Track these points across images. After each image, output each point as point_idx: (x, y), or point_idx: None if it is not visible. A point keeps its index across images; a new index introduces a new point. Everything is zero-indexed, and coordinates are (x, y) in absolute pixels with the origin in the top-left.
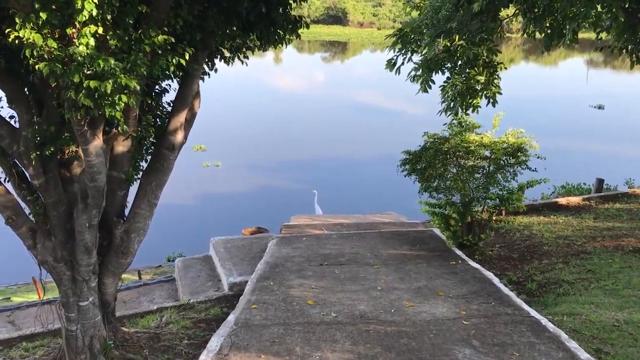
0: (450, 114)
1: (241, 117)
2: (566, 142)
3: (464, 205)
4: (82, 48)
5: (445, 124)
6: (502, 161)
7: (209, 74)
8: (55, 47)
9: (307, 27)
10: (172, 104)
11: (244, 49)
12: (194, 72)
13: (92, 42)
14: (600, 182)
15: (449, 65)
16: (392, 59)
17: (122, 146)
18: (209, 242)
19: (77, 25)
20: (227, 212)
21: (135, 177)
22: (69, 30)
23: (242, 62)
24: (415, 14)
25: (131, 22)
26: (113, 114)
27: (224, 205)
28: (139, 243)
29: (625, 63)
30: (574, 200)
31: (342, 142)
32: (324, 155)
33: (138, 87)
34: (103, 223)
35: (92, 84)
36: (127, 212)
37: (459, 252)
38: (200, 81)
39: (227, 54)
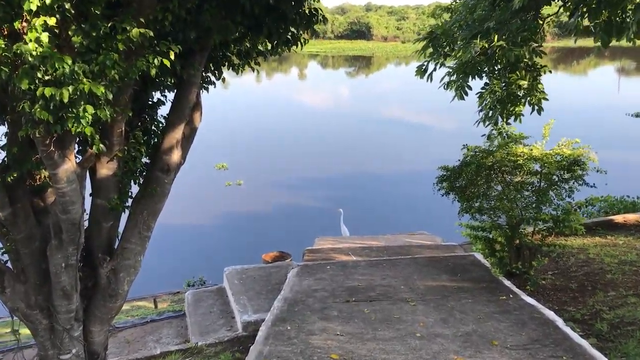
0: (489, 124)
1: (265, 134)
2: (607, 153)
3: (512, 228)
4: (31, 45)
5: (484, 135)
6: (555, 176)
7: (214, 84)
8: (3, 45)
9: (325, 21)
10: (166, 118)
11: (255, 54)
12: (191, 79)
13: (44, 37)
14: None
15: (486, 69)
16: (422, 65)
17: (106, 169)
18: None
19: (26, 17)
20: (250, 234)
21: (125, 205)
22: (17, 24)
23: (253, 70)
24: (446, 16)
25: (98, 12)
26: (80, 129)
27: (246, 226)
28: (129, 284)
29: None
30: (632, 217)
31: (369, 158)
32: (351, 172)
33: (111, 96)
34: (87, 261)
35: (47, 91)
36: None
37: (507, 283)
38: (218, 95)
39: (235, 61)
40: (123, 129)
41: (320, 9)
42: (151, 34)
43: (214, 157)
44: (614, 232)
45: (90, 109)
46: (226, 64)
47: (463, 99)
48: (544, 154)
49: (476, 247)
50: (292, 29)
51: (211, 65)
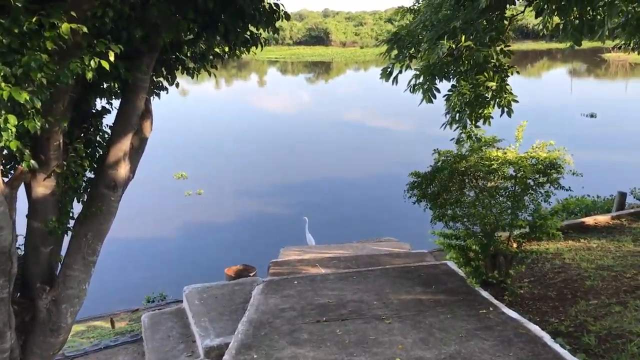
0: (457, 127)
1: (225, 141)
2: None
3: (487, 235)
4: None
5: (453, 139)
6: (531, 180)
7: (166, 89)
8: None
9: (288, 18)
10: (112, 127)
11: (211, 57)
12: (138, 84)
13: None
14: (622, 196)
15: (453, 70)
16: (387, 67)
17: (42, 187)
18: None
19: None
20: (212, 245)
21: (66, 227)
22: None
23: (210, 74)
24: (409, 17)
25: (20, 5)
26: (3, 144)
27: (208, 238)
28: (73, 315)
29: (610, 71)
30: (602, 219)
31: (333, 164)
32: (315, 178)
33: (39, 104)
34: (24, 292)
35: None
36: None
37: (485, 294)
38: (176, 102)
39: (190, 64)
40: (61, 141)
41: (282, 4)
42: (85, 29)
43: (172, 167)
44: (585, 235)
45: (12, 119)
46: (180, 67)
47: (432, 101)
48: (518, 158)
49: (450, 255)
50: (251, 28)
51: (163, 69)
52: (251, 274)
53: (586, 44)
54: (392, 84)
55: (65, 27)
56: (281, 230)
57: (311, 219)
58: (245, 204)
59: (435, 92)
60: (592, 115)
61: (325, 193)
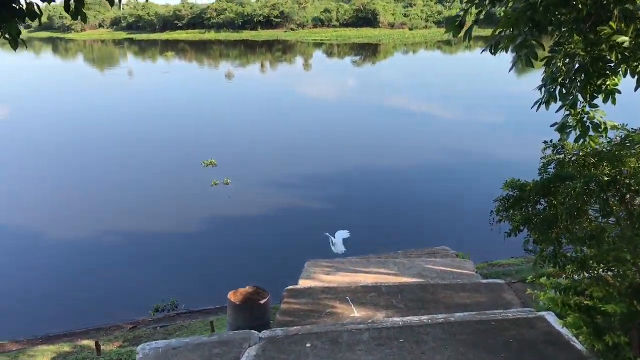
0: (563, 107)
1: (262, 128)
2: None
3: (637, 293)
4: None
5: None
6: None
7: None
8: None
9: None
10: None
11: None
12: None
13: None
14: None
15: (564, 17)
16: (456, 17)
17: None
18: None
19: None
20: (232, 246)
21: None
22: None
23: None
24: None
25: None
26: None
27: (229, 237)
28: None
29: None
30: None
31: (380, 153)
32: (359, 169)
33: None
34: None
35: None
36: None
37: None
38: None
39: None
40: None
41: None
42: None
43: (201, 152)
44: None
45: None
46: None
47: (531, 64)
48: None
49: (569, 320)
50: None
51: None
52: (261, 301)
53: None
54: (464, 41)
55: None
56: (312, 233)
57: (349, 219)
58: (274, 198)
59: (537, 48)
60: None
61: (366, 188)
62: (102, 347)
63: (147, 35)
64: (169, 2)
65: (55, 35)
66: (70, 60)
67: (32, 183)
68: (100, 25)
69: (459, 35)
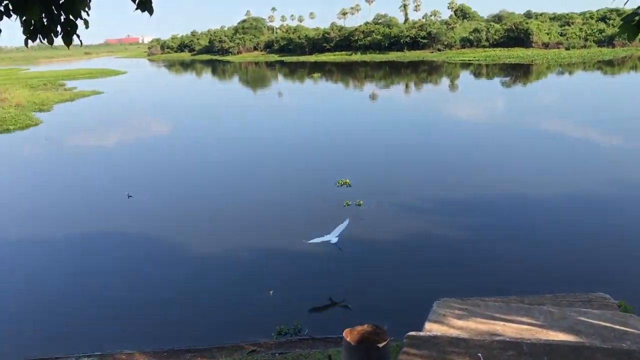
0: None
1: (401, 150)
2: None
3: None
4: None
5: None
6: None
7: None
8: None
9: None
10: None
11: None
12: None
13: None
14: None
15: None
16: (633, 14)
17: None
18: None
19: None
20: (357, 272)
21: None
22: None
23: None
24: None
25: None
26: None
27: (353, 262)
28: None
29: None
30: None
31: (526, 182)
32: (497, 195)
33: None
34: None
35: None
36: None
37: None
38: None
39: None
40: None
41: None
42: None
43: (335, 171)
44: None
45: None
46: None
47: None
48: None
49: None
50: None
51: None
52: (380, 344)
53: None
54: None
55: None
56: (445, 265)
57: (488, 253)
58: (407, 223)
59: None
60: None
61: (513, 217)
62: None
63: (296, 57)
64: (319, 25)
65: (214, 57)
66: (227, 81)
67: (176, 195)
68: (255, 48)
69: (637, 38)
